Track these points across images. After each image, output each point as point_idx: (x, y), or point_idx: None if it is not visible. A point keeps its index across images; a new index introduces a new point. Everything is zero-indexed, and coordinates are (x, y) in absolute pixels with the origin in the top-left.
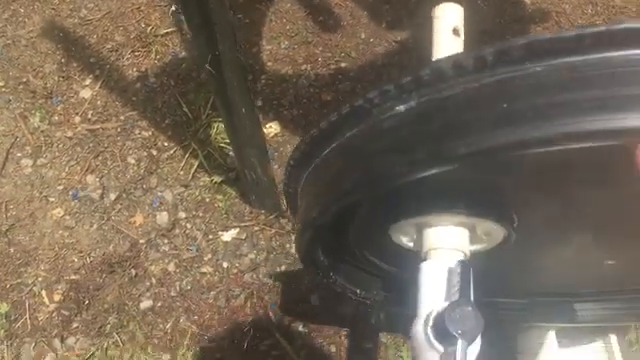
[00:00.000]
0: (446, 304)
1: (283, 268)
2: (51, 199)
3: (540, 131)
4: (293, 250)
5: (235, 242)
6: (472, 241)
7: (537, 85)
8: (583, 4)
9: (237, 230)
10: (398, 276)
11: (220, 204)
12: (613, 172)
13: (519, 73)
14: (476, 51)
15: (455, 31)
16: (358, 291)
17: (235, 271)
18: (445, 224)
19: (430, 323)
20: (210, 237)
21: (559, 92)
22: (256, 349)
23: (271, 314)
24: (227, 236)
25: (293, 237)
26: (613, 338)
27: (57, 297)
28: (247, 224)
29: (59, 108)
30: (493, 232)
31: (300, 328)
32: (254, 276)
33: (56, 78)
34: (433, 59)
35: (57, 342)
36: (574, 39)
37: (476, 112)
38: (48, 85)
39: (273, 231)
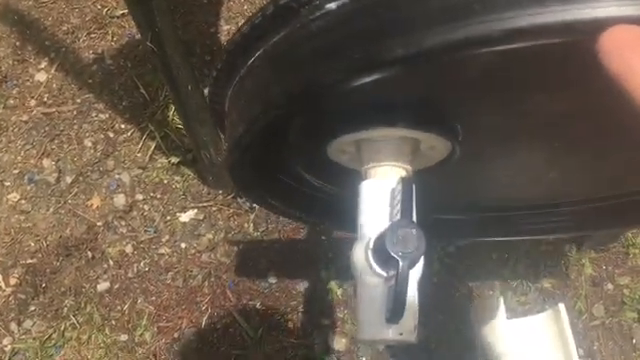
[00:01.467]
0: (387, 225)
1: (240, 247)
2: (6, 183)
3: (488, 27)
4: (251, 230)
5: (193, 223)
6: (415, 157)
7: None
8: None
9: (195, 211)
10: (339, 196)
11: (178, 185)
12: (564, 73)
13: None
14: None
15: None
16: (298, 213)
17: (193, 251)
18: (385, 139)
19: (370, 246)
20: (168, 218)
21: None
22: (214, 327)
23: (229, 293)
24: (185, 217)
25: (251, 216)
26: (562, 307)
27: (13, 281)
28: (205, 205)
29: (14, 92)
30: (437, 147)
31: (257, 306)
32: (212, 256)
33: (11, 62)
34: None
35: (14, 325)
36: None
37: (417, 6)
38: (2, 69)
39: (231, 211)
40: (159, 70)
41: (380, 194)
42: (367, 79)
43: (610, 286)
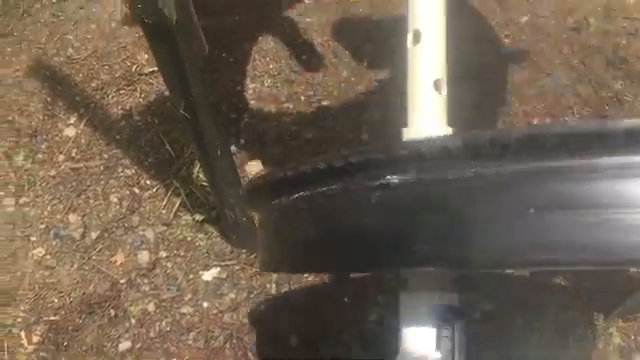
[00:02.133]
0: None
1: (263, 308)
2: (33, 238)
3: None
4: (274, 290)
5: (216, 282)
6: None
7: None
8: (560, 44)
9: (218, 269)
10: None
11: (201, 243)
12: None
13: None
14: (498, 133)
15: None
16: None
17: (215, 311)
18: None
19: None
20: (191, 277)
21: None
22: None
23: (250, 355)
24: (208, 275)
25: (274, 276)
26: None
27: (36, 338)
28: (228, 263)
29: (43, 147)
30: None
31: None
32: (234, 316)
33: (41, 117)
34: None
35: None
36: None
37: (493, 208)
38: (33, 124)
39: (254, 270)
40: (190, 135)
41: (421, 309)
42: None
43: (639, 357)
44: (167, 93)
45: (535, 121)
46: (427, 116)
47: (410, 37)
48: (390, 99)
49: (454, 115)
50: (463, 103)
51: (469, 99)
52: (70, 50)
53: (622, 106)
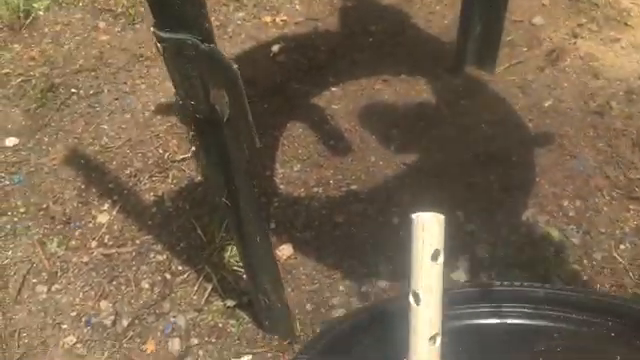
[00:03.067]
0: None
1: None
2: (64, 326)
3: None
4: None
5: None
6: None
7: None
8: (585, 127)
9: (250, 357)
10: None
11: (233, 329)
12: None
13: None
14: None
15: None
16: None
17: None
18: None
19: None
20: None
21: None
22: None
23: None
24: None
25: None
26: None
27: None
28: (260, 350)
29: (77, 233)
30: None
31: None
32: None
33: (75, 204)
34: (412, 286)
35: None
36: None
37: None
38: (67, 211)
39: (287, 358)
40: (229, 221)
41: None
42: None
43: None
44: (198, 179)
45: (565, 203)
46: None
47: (412, 297)
48: (419, 182)
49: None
50: (492, 187)
51: (497, 182)
52: (105, 139)
53: None
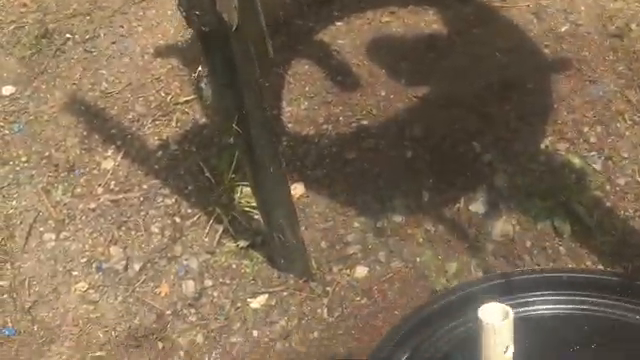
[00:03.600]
0: None
1: (316, 334)
2: (75, 273)
3: None
4: (325, 315)
5: (264, 309)
6: None
7: None
8: (604, 51)
9: (266, 296)
10: None
11: (247, 270)
12: None
13: None
14: None
15: (505, 350)
16: None
17: (266, 340)
18: None
19: None
20: (238, 305)
21: None
22: None
23: None
24: (256, 303)
25: (325, 300)
26: None
27: None
28: (276, 289)
29: (82, 180)
30: None
31: None
32: (286, 344)
33: (78, 151)
34: None
35: None
36: None
37: None
38: (70, 158)
39: (304, 295)
40: (241, 152)
41: None
42: None
43: None
44: (203, 121)
45: (586, 129)
46: None
47: None
48: (431, 115)
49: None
50: (509, 116)
51: (514, 111)
52: (104, 84)
53: None
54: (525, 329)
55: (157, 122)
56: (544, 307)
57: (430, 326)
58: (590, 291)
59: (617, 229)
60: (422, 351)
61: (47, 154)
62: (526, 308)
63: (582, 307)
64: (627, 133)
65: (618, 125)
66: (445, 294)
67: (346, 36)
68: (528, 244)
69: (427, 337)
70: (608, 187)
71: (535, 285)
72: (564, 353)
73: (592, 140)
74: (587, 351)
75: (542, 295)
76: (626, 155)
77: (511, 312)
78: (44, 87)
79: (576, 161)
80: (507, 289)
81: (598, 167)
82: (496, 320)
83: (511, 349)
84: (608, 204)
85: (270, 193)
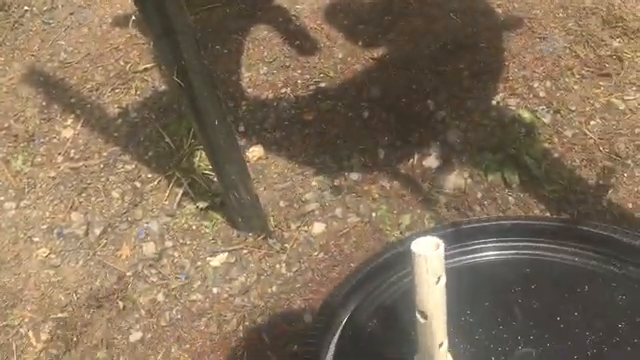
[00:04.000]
0: None
1: (274, 289)
2: (35, 239)
3: None
4: (284, 270)
5: (224, 267)
6: None
7: None
8: (554, 9)
9: (226, 254)
10: None
11: (207, 230)
12: None
13: None
14: None
15: (437, 280)
16: None
17: (225, 296)
18: None
19: None
20: (199, 264)
21: None
22: None
23: (264, 336)
24: (216, 261)
25: (283, 256)
26: None
27: (44, 336)
28: (235, 248)
29: (41, 150)
30: None
31: (295, 348)
32: (245, 299)
33: (37, 121)
34: (418, 307)
35: None
36: None
37: None
38: (30, 128)
39: (262, 252)
40: (185, 105)
41: None
42: None
43: None
44: (163, 88)
45: (536, 84)
46: None
47: (419, 315)
48: (388, 75)
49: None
50: (462, 74)
51: (467, 70)
52: (63, 55)
53: (622, 63)
54: (470, 275)
55: (116, 90)
56: (489, 253)
57: (380, 276)
58: (533, 237)
59: (564, 178)
60: (372, 300)
61: (6, 125)
62: (473, 255)
63: (524, 252)
64: (575, 87)
65: (567, 80)
66: (395, 245)
67: (304, 1)
68: (479, 195)
69: (377, 286)
70: (556, 139)
71: (481, 233)
72: (506, 294)
73: (541, 95)
74: (527, 291)
75: (488, 242)
76: (574, 108)
77: (442, 243)
78: (2, 59)
79: (526, 115)
80: (455, 238)
81: (547, 120)
82: (428, 251)
83: (443, 280)
84: (556, 155)
85: (218, 148)
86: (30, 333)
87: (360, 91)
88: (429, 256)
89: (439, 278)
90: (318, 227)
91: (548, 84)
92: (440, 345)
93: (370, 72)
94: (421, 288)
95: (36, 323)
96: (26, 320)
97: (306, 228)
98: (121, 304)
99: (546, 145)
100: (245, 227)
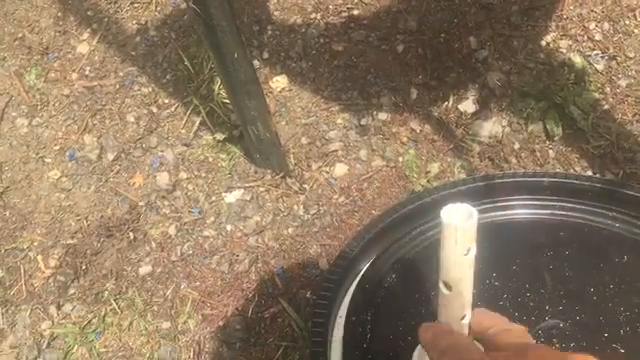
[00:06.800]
0: None
1: (290, 231)
2: (47, 160)
3: None
4: (301, 212)
5: (239, 204)
6: None
7: None
8: None
9: (242, 191)
10: None
11: (224, 164)
12: None
13: None
14: None
15: (467, 252)
16: None
17: (239, 234)
18: None
19: None
20: (213, 199)
21: None
22: (261, 317)
23: (277, 280)
24: (231, 197)
25: (301, 197)
26: None
27: (53, 262)
28: (252, 184)
29: (55, 64)
30: None
31: (308, 295)
32: (259, 240)
33: (52, 33)
34: (442, 277)
35: (53, 309)
36: None
37: None
38: (44, 40)
39: (280, 192)
40: (203, 35)
41: None
42: None
43: None
44: (184, 6)
45: (592, 26)
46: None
47: (442, 285)
48: (428, 6)
49: None
50: (510, 9)
51: (517, 4)
52: None
53: None
54: (499, 234)
55: (136, 5)
56: (522, 212)
57: (402, 227)
58: (572, 197)
59: (612, 133)
60: (392, 252)
61: (20, 35)
62: (503, 212)
63: (560, 213)
64: (636, 31)
65: (627, 22)
66: (420, 196)
67: None
68: (516, 146)
69: (398, 238)
70: (608, 89)
71: (515, 189)
72: (536, 258)
73: (597, 38)
74: (560, 257)
75: (521, 200)
76: (632, 55)
77: (475, 213)
78: None
79: (577, 60)
80: (486, 192)
81: (600, 67)
82: (458, 220)
83: (473, 251)
84: (606, 107)
85: (238, 82)
86: (39, 257)
87: (396, 22)
88: (460, 226)
89: (469, 250)
90: (340, 169)
91: (606, 26)
92: (463, 317)
93: (409, 1)
94: (448, 259)
95: (45, 248)
96: (35, 244)
97: (327, 169)
98: (132, 235)
99: (596, 95)
100: (263, 164)
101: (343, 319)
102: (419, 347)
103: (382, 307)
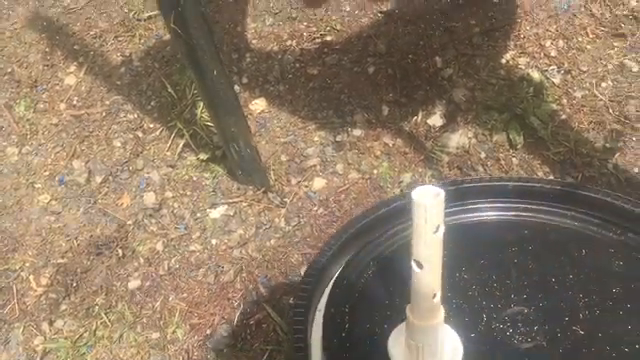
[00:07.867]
0: None
1: (272, 242)
2: (37, 185)
3: None
4: (283, 224)
5: (223, 219)
6: None
7: None
8: None
9: (225, 207)
10: None
11: (207, 182)
12: None
13: None
14: None
15: (435, 230)
16: None
17: (224, 247)
18: None
19: None
20: (198, 215)
21: None
22: (246, 323)
23: (261, 288)
24: (215, 213)
25: (282, 210)
26: None
27: (44, 281)
28: (235, 200)
29: (44, 96)
30: None
31: (291, 300)
32: (243, 251)
33: (40, 67)
34: (414, 255)
35: (45, 325)
36: None
37: None
38: (33, 74)
39: (262, 206)
40: (183, 55)
41: None
42: None
43: None
44: (167, 37)
45: (548, 43)
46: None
47: (414, 264)
48: (396, 30)
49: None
50: (472, 31)
51: (478, 26)
52: (67, 0)
53: (638, 23)
54: (468, 233)
55: (120, 38)
56: (489, 213)
57: (377, 228)
58: (534, 199)
59: (570, 141)
60: (368, 251)
61: (9, 70)
62: (472, 214)
63: (524, 214)
64: (588, 47)
65: (580, 39)
66: (393, 199)
67: None
68: (482, 156)
69: (374, 238)
70: (565, 100)
71: (482, 193)
72: (502, 254)
73: (553, 54)
74: (524, 252)
75: (488, 202)
76: (585, 69)
77: (442, 192)
78: (6, 3)
79: (535, 75)
80: (455, 196)
81: (557, 81)
82: (427, 199)
83: (441, 230)
84: (564, 116)
85: (218, 100)
86: (31, 277)
87: (366, 46)
88: (428, 204)
89: (437, 227)
90: (319, 182)
91: (560, 43)
92: (434, 296)
93: (378, 26)
94: (418, 237)
95: (37, 267)
96: (27, 264)
97: (307, 183)
98: (121, 252)
99: (554, 106)
100: (245, 180)
101: (322, 312)
102: (393, 332)
103: (359, 302)
